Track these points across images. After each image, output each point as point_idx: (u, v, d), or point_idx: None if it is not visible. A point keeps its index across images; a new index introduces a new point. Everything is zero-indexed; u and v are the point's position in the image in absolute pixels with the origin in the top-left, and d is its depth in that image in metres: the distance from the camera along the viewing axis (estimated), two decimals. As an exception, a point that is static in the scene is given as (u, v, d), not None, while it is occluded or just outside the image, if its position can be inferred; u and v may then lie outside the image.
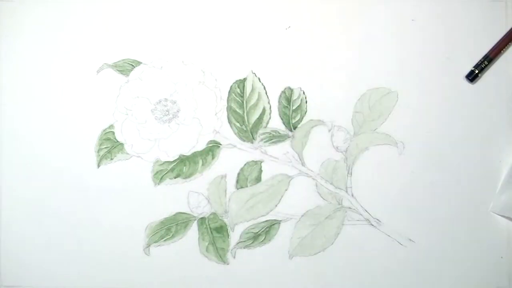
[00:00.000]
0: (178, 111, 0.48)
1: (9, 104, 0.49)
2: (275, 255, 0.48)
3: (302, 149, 0.48)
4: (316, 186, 0.48)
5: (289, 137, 0.48)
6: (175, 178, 0.48)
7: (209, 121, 0.48)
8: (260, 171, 0.48)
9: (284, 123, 0.48)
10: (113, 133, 0.48)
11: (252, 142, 0.48)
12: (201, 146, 0.48)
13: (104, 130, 0.48)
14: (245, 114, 0.48)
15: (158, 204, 0.48)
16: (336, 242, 0.48)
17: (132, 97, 0.49)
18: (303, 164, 0.48)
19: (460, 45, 0.49)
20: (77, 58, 0.49)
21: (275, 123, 0.48)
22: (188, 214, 0.48)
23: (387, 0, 0.49)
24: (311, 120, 0.48)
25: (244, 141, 0.48)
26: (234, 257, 0.48)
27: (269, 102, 0.48)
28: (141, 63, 0.49)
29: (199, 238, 0.48)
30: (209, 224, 0.48)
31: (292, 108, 0.48)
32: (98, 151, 0.48)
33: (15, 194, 0.48)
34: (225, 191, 0.48)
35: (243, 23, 0.49)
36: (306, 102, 0.48)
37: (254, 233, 0.48)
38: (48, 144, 0.48)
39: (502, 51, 0.48)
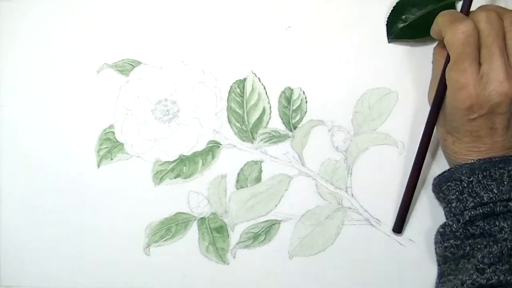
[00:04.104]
0: (178, 111, 0.48)
1: (8, 104, 0.49)
2: (275, 255, 0.48)
3: (302, 149, 0.48)
4: (316, 186, 0.48)
5: (289, 137, 0.48)
6: (175, 178, 0.48)
7: (209, 121, 0.48)
8: (260, 171, 0.48)
9: (284, 123, 0.48)
10: (113, 133, 0.48)
11: (252, 142, 0.48)
12: (201, 146, 0.48)
13: (104, 130, 0.48)
14: (245, 114, 0.48)
15: (158, 204, 0.48)
16: (336, 242, 0.48)
17: (132, 97, 0.49)
18: (303, 164, 0.48)
19: (460, 45, 0.48)
20: (77, 58, 0.49)
21: (275, 123, 0.48)
22: (188, 214, 0.48)
23: (387, 0, 0.49)
24: (311, 120, 0.48)
25: (244, 141, 0.48)
26: (234, 257, 0.48)
27: (269, 102, 0.48)
28: (141, 63, 0.49)
29: (199, 238, 0.48)
30: (209, 224, 0.48)
31: (292, 108, 0.48)
32: (98, 151, 0.48)
33: (14, 194, 0.48)
34: (225, 191, 0.48)
35: (243, 23, 0.49)
36: (306, 102, 0.48)
37: (254, 233, 0.48)
38: (48, 144, 0.48)
39: (502, 51, 0.48)
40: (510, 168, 0.41)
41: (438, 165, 0.48)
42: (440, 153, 0.48)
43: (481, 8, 0.42)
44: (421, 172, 0.47)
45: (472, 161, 0.41)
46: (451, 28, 0.40)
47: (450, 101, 0.42)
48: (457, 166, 0.42)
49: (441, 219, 0.48)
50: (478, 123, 0.41)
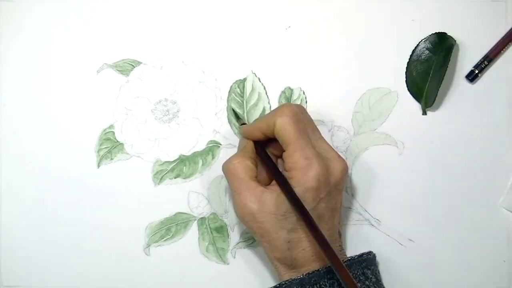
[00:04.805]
0: (178, 111, 0.48)
1: (8, 104, 0.49)
2: (275, 255, 0.48)
3: (302, 149, 0.48)
4: (316, 186, 0.48)
5: (289, 137, 0.48)
6: (175, 178, 0.48)
7: (209, 121, 0.48)
8: (260, 171, 0.48)
9: (284, 123, 0.48)
10: (113, 133, 0.48)
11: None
12: (201, 146, 0.48)
13: (104, 130, 0.48)
14: (245, 114, 0.48)
15: (158, 204, 0.48)
16: (336, 242, 0.47)
17: (132, 97, 0.49)
18: (303, 164, 0.48)
19: (460, 45, 0.49)
20: (77, 58, 0.49)
21: (275, 123, 0.48)
22: (188, 214, 0.48)
23: (387, 0, 0.49)
24: (311, 120, 0.48)
25: (244, 141, 0.48)
26: (234, 257, 0.48)
27: (269, 102, 0.48)
28: (141, 63, 0.49)
29: (199, 238, 0.48)
30: (209, 224, 0.48)
31: (292, 108, 0.48)
32: (98, 151, 0.48)
33: (15, 194, 0.48)
34: (225, 191, 0.48)
35: (243, 23, 0.49)
36: (306, 102, 0.48)
37: (254, 233, 0.48)
38: (48, 144, 0.48)
39: (502, 51, 0.48)
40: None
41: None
42: (440, 155, 0.48)
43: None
44: (422, 173, 0.47)
45: (302, 275, 0.39)
46: (277, 114, 0.40)
47: (298, 183, 0.39)
48: (287, 283, 0.39)
49: (441, 219, 0.48)
50: (324, 203, 0.40)
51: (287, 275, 0.41)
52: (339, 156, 0.41)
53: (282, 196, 0.39)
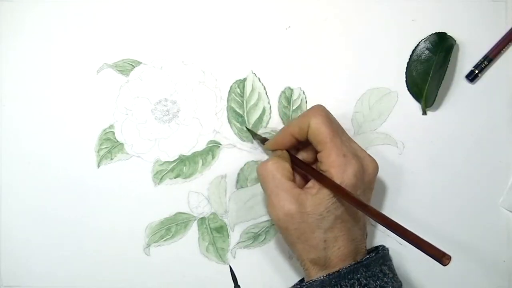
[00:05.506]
0: (178, 111, 0.48)
1: (8, 104, 0.49)
2: (275, 255, 0.48)
3: (302, 149, 0.48)
4: (316, 186, 0.48)
5: (289, 137, 0.48)
6: (175, 178, 0.48)
7: (209, 121, 0.48)
8: (260, 171, 0.48)
9: (284, 123, 0.48)
10: (113, 133, 0.48)
11: (252, 142, 0.48)
12: (201, 146, 0.48)
13: (104, 130, 0.48)
14: (245, 114, 0.48)
15: (158, 204, 0.48)
16: (336, 242, 0.47)
17: (132, 97, 0.48)
18: (303, 164, 0.48)
19: (460, 45, 0.49)
20: (77, 58, 0.49)
21: (275, 123, 0.48)
22: (188, 214, 0.48)
23: (387, 0, 0.49)
24: (311, 120, 0.48)
25: (244, 141, 0.48)
26: (234, 257, 0.48)
27: (269, 102, 0.48)
28: (141, 63, 0.49)
29: (199, 238, 0.48)
30: (209, 224, 0.48)
31: (292, 108, 0.48)
32: (98, 151, 0.48)
33: (15, 194, 0.48)
34: (225, 191, 0.48)
35: (243, 23, 0.49)
36: (306, 102, 0.48)
37: (254, 233, 0.48)
38: (48, 144, 0.48)
39: (502, 51, 0.48)
40: (358, 276, 0.39)
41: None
42: (440, 155, 0.48)
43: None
44: (422, 173, 0.47)
45: (323, 277, 0.39)
46: (309, 115, 0.41)
47: (337, 181, 0.39)
48: (309, 284, 0.40)
49: (441, 219, 0.48)
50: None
51: (318, 276, 0.40)
52: (370, 155, 0.42)
53: (319, 196, 0.39)
